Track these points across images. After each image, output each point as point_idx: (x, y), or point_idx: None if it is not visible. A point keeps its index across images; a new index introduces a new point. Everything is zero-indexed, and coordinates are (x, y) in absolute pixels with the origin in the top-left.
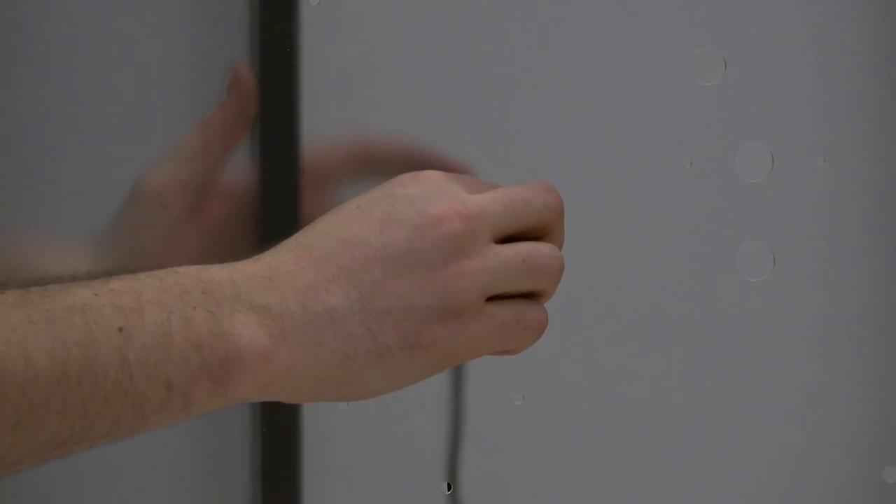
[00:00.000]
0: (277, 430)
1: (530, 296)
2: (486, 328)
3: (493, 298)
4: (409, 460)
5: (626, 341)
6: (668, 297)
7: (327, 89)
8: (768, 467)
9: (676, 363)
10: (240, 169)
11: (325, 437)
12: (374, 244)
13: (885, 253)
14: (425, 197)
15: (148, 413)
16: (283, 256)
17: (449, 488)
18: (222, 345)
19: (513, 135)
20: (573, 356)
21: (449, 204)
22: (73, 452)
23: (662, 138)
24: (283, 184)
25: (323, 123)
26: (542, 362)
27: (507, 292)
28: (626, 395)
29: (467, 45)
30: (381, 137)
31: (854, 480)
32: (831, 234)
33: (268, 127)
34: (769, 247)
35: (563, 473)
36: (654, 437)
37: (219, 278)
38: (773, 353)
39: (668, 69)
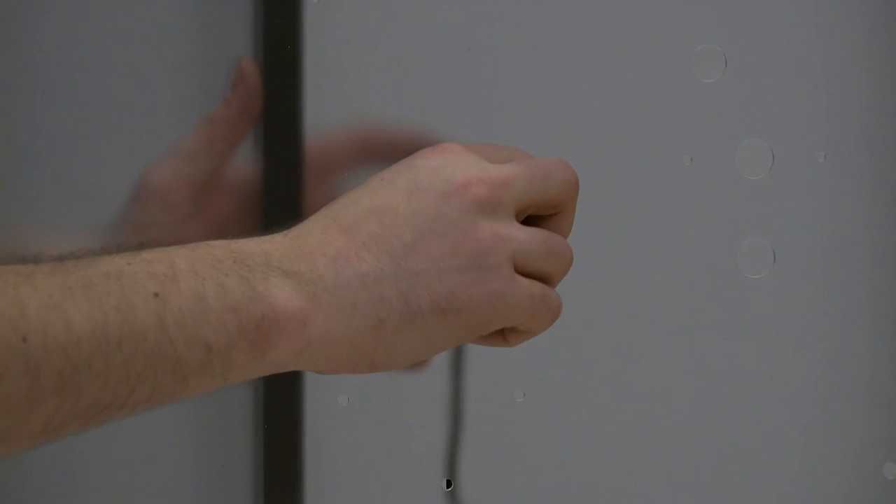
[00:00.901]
0: (279, 427)
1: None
2: (517, 296)
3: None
4: (408, 457)
5: (626, 338)
6: (668, 294)
7: (330, 85)
8: (769, 463)
9: (677, 360)
10: (243, 164)
11: (326, 433)
12: (403, 211)
13: (885, 249)
14: (449, 166)
15: (189, 377)
16: (310, 228)
17: (448, 485)
18: (258, 307)
19: (513, 130)
20: (573, 353)
21: (473, 171)
22: (115, 418)
23: (663, 135)
24: (285, 179)
25: (325, 119)
26: (542, 359)
27: (528, 269)
28: (627, 392)
29: (468, 41)
30: (383, 126)
31: (854, 476)
32: (831, 230)
33: (271, 123)
34: (769, 243)
35: (563, 470)
36: (654, 434)
37: (249, 249)
38: (774, 350)
39: (668, 66)
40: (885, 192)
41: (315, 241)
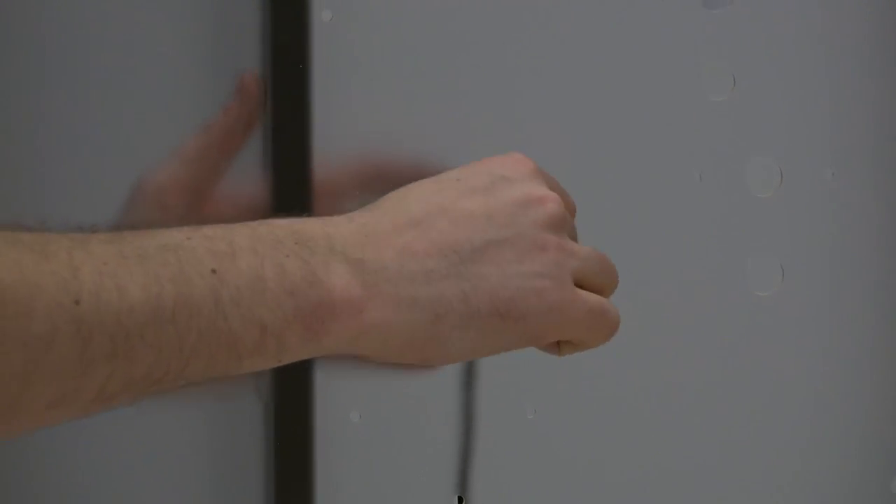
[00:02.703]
0: (290, 443)
1: None
2: (576, 310)
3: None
4: (420, 474)
5: (635, 354)
6: (677, 311)
7: (339, 104)
8: (777, 478)
9: (686, 376)
10: (249, 178)
11: (337, 449)
12: (477, 214)
13: (893, 266)
14: (524, 179)
15: (243, 355)
16: (379, 217)
17: (460, 501)
18: (316, 291)
19: (523, 147)
20: (583, 369)
21: (547, 191)
22: (170, 391)
23: (672, 153)
24: (294, 197)
25: (335, 137)
26: (553, 376)
27: (585, 285)
28: (637, 409)
29: (477, 61)
30: (391, 154)
31: (862, 491)
32: (840, 248)
33: (280, 141)
34: (778, 260)
35: (575, 488)
36: (664, 450)
37: (312, 231)
38: (782, 366)
39: (677, 85)
40: (893, 210)
41: (384, 230)
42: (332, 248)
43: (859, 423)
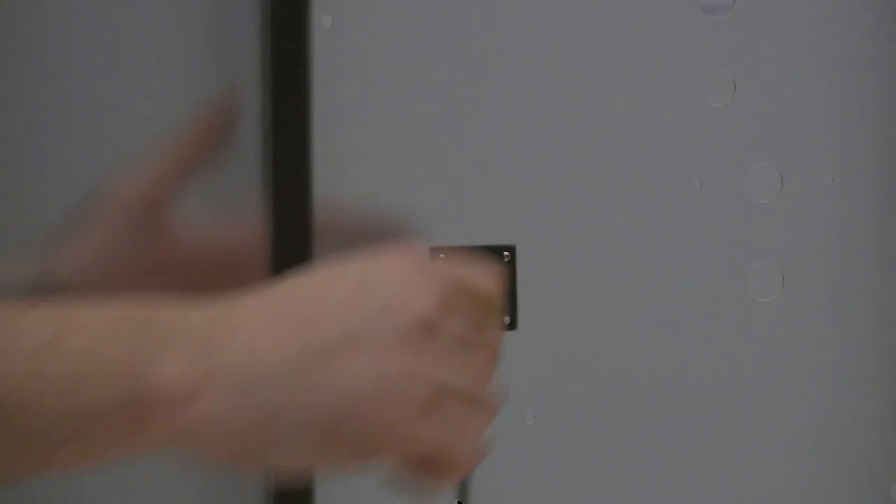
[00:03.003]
0: None
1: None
2: (411, 441)
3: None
4: None
5: (636, 360)
6: (678, 317)
7: (339, 109)
8: (777, 484)
9: (687, 382)
10: (249, 178)
11: None
12: (340, 307)
13: (894, 272)
14: (398, 281)
15: (55, 446)
16: (245, 300)
17: None
18: (140, 383)
19: (524, 154)
20: (584, 375)
21: (417, 296)
22: None
23: (673, 158)
24: (294, 200)
25: (335, 143)
26: (552, 381)
27: (447, 411)
28: (637, 414)
29: (480, 69)
30: (385, 214)
31: (863, 498)
32: (840, 253)
33: (280, 146)
34: (779, 266)
35: (575, 493)
36: (664, 455)
37: (163, 315)
38: (783, 372)
39: (678, 90)
40: (894, 216)
41: (245, 311)
42: (178, 330)
43: (860, 429)
